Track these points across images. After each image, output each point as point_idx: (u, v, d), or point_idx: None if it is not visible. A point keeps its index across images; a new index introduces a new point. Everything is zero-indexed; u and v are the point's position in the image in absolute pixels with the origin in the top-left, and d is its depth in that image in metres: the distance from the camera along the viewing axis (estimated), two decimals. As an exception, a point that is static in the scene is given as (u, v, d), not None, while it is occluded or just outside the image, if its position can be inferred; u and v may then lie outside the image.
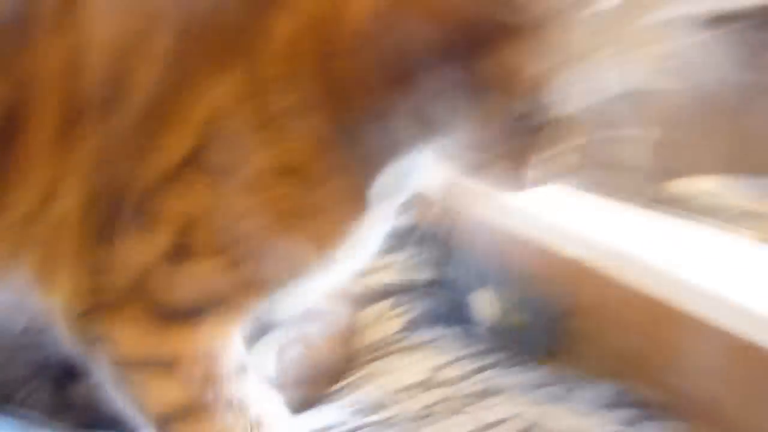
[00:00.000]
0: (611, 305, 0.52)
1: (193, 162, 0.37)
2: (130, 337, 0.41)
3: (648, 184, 1.42)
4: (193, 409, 0.42)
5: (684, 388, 0.46)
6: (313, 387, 0.70)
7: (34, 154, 0.38)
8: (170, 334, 0.41)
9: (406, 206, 0.96)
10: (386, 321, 0.88)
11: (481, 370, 0.67)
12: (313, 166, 0.39)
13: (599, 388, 0.57)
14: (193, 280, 0.40)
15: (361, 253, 0.47)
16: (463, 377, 0.66)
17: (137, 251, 0.39)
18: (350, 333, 0.77)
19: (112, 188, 0.39)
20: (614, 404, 0.54)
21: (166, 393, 0.42)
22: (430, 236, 0.94)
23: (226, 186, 0.38)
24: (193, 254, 0.40)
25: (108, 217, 0.40)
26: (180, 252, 0.39)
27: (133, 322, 0.41)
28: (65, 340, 0.46)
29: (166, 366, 0.41)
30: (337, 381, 0.74)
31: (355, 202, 0.43)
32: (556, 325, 1.73)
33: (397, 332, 0.86)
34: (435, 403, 0.62)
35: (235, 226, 0.39)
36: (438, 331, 0.85)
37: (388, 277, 0.92)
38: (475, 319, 0.99)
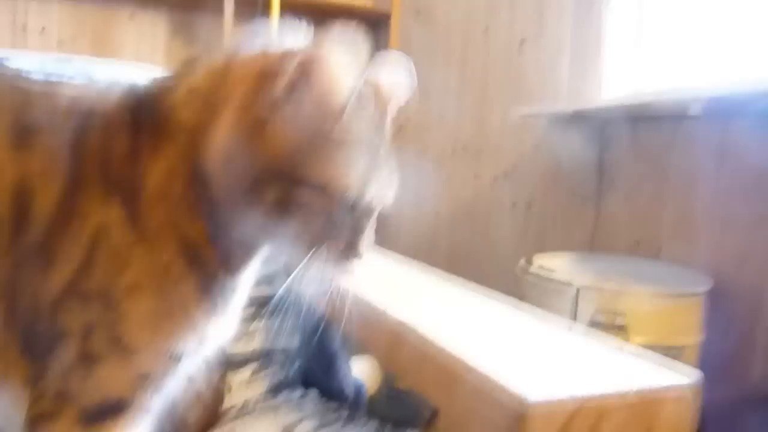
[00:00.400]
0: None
1: (83, 274, 0.46)
2: None
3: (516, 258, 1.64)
4: None
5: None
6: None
7: None
8: None
9: (270, 278, 1.06)
10: (249, 384, 0.94)
11: (327, 424, 0.75)
12: (178, 275, 0.48)
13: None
14: (102, 380, 0.47)
15: (223, 332, 0.55)
16: (313, 430, 0.74)
17: (57, 360, 0.46)
18: (220, 393, 0.83)
19: (28, 305, 0.46)
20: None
21: None
22: (295, 305, 1.04)
23: (110, 294, 0.46)
24: (97, 357, 0.47)
25: (31, 331, 0.47)
26: (88, 357, 0.46)
27: (67, 428, 0.47)
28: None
29: None
30: (198, 440, 0.79)
31: (211, 297, 0.52)
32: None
33: (260, 395, 0.92)
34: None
35: (121, 328, 0.47)
36: (295, 394, 0.93)
37: (254, 344, 1.00)
38: (344, 385, 1.08)
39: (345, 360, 1.13)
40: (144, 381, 0.50)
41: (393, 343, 0.63)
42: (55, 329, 0.47)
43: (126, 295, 0.47)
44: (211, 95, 0.48)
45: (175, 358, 0.51)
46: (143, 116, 0.49)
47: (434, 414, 1.66)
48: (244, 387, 0.93)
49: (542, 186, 2.11)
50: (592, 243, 1.88)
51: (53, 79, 0.51)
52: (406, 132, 2.90)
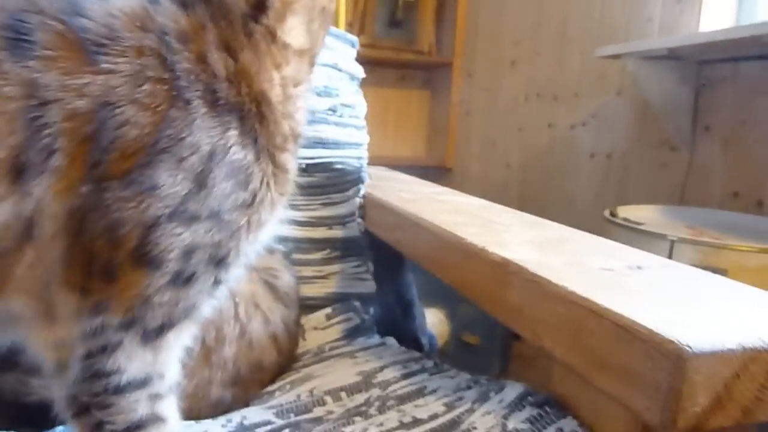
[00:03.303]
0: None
1: (193, 197, 0.44)
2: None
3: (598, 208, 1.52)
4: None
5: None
6: (251, 386, 0.71)
7: None
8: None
9: (345, 219, 1.00)
10: (324, 330, 0.89)
11: (412, 374, 0.69)
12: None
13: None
14: (191, 298, 0.45)
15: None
16: (395, 380, 0.68)
17: (133, 288, 0.43)
18: (294, 336, 0.79)
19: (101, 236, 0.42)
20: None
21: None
22: (374, 248, 0.98)
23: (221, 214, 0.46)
24: (193, 278, 0.45)
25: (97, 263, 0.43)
26: (184, 279, 0.44)
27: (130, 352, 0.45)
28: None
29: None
30: (272, 382, 0.75)
31: None
32: (507, 345, 1.78)
33: (334, 341, 0.87)
34: (365, 403, 0.63)
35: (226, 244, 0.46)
36: (374, 340, 0.87)
37: (328, 288, 0.94)
38: (420, 334, 1.02)
39: (420, 308, 1.07)
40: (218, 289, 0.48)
41: (496, 282, 0.55)
42: (143, 256, 0.42)
43: (236, 212, 0.45)
44: None
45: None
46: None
47: (504, 368, 1.57)
48: (319, 331, 0.89)
49: (625, 135, 1.95)
50: (682, 196, 1.73)
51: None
52: (475, 77, 2.76)
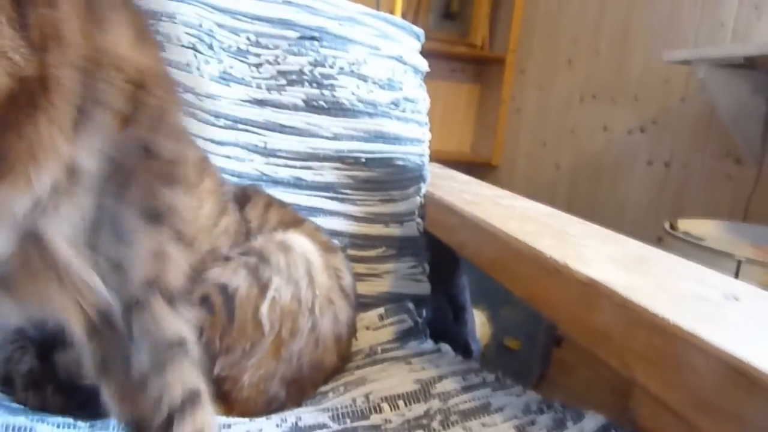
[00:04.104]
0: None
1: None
2: None
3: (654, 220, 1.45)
4: None
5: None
6: (307, 387, 0.69)
7: None
8: None
9: (401, 217, 0.97)
10: (376, 330, 0.87)
11: (473, 387, 0.66)
12: None
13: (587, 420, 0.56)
14: None
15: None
16: (456, 393, 0.65)
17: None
18: (351, 337, 0.77)
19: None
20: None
21: None
22: (430, 248, 0.95)
23: None
24: None
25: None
26: None
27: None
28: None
29: None
30: (326, 383, 0.73)
31: None
32: (548, 351, 1.73)
33: (386, 342, 0.85)
34: (425, 415, 0.61)
35: None
36: (428, 345, 0.85)
37: (381, 287, 0.92)
38: (471, 340, 0.99)
39: (471, 313, 1.04)
40: None
41: (581, 304, 0.52)
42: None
43: None
44: None
45: None
46: None
47: (545, 372, 1.52)
48: (371, 332, 0.86)
49: (686, 143, 1.87)
50: (747, 211, 1.65)
51: None
52: (528, 74, 2.69)
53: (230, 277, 0.65)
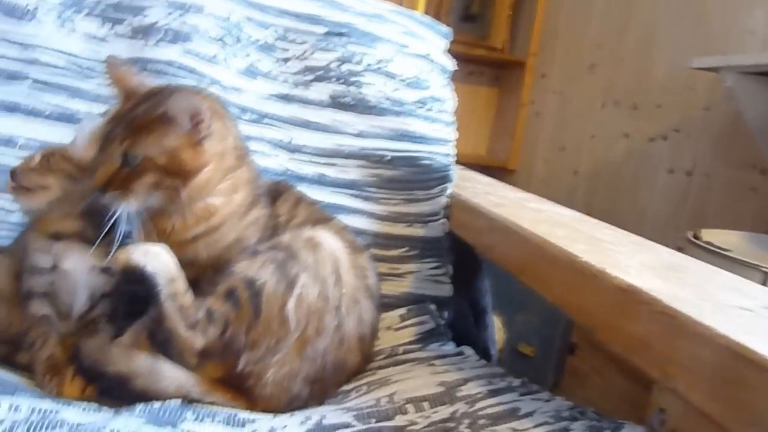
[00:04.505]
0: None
1: None
2: None
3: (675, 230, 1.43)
4: None
5: None
6: (330, 386, 0.68)
7: None
8: None
9: (435, 217, 0.96)
10: (397, 331, 0.86)
11: (499, 392, 0.65)
12: None
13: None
14: None
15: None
16: (482, 396, 0.64)
17: None
18: (374, 337, 0.76)
19: None
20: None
21: None
22: (455, 250, 0.94)
23: None
24: None
25: None
26: None
27: None
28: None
29: None
30: (348, 382, 0.72)
31: None
32: (562, 358, 1.71)
33: (408, 343, 0.84)
34: (451, 418, 0.60)
35: None
36: (450, 347, 0.83)
37: (403, 287, 0.91)
38: (491, 344, 0.98)
39: (491, 317, 1.03)
40: None
41: (619, 311, 0.50)
42: None
43: None
44: None
45: None
46: None
47: (558, 380, 1.50)
48: (392, 332, 0.85)
49: (709, 152, 1.84)
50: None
51: None
52: (549, 79, 2.67)
53: (258, 272, 0.64)
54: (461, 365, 0.75)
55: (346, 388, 0.70)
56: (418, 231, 0.94)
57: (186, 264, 0.65)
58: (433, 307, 0.89)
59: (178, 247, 0.65)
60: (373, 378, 0.72)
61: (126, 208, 0.63)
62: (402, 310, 0.87)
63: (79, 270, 0.69)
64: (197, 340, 0.62)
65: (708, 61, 1.60)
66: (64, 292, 0.68)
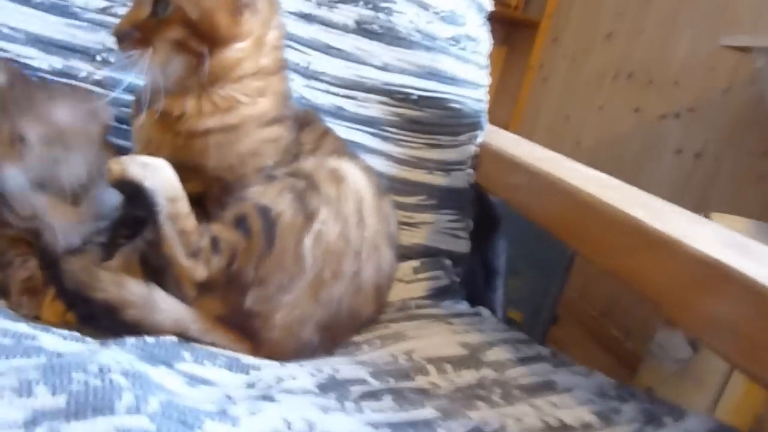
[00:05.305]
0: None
1: None
2: None
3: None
4: None
5: None
6: (340, 335, 0.62)
7: None
8: None
9: (460, 166, 0.88)
10: (408, 283, 0.80)
11: (528, 360, 0.59)
12: None
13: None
14: None
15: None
16: (511, 364, 0.58)
17: None
18: (389, 289, 0.69)
19: None
20: None
21: None
22: (477, 203, 0.87)
23: None
24: None
25: None
26: None
27: None
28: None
29: None
30: (355, 333, 0.65)
31: None
32: (546, 328, 1.68)
33: (420, 298, 0.78)
34: (479, 385, 0.54)
35: None
36: (464, 307, 0.77)
37: (417, 238, 0.84)
38: (498, 308, 0.92)
39: (503, 280, 0.97)
40: None
41: (696, 285, 0.44)
42: None
43: None
44: None
45: None
46: None
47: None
48: (403, 284, 0.79)
49: (723, 136, 1.79)
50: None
51: None
52: (561, 43, 2.57)
53: (273, 200, 0.56)
54: (480, 327, 0.69)
55: (356, 339, 0.64)
56: (438, 179, 0.86)
57: (190, 173, 0.56)
58: (448, 262, 0.83)
59: (185, 141, 0.57)
60: (386, 331, 0.66)
61: (143, 63, 0.54)
62: (415, 263, 0.81)
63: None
64: (198, 271, 0.55)
65: (740, 40, 1.53)
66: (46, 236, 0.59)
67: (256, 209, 0.56)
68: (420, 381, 0.55)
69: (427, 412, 0.49)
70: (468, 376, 0.55)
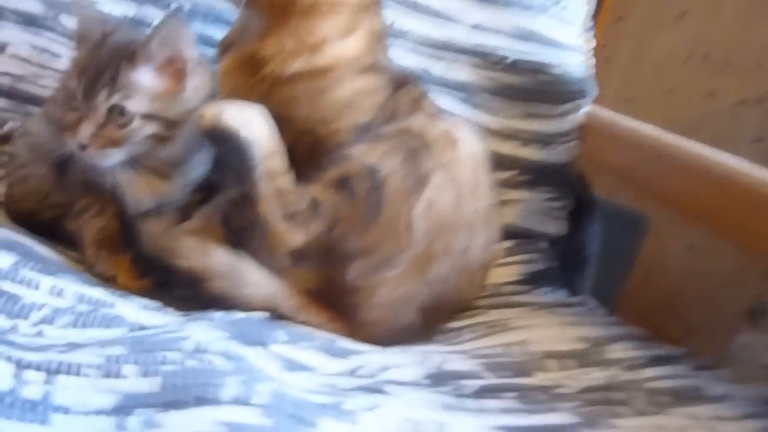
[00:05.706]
0: None
1: None
2: None
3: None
4: None
5: None
6: (440, 318, 0.54)
7: None
8: None
9: (561, 138, 0.79)
10: (500, 266, 0.71)
11: (661, 360, 0.51)
12: None
13: None
14: None
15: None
16: (643, 363, 0.50)
17: None
18: (487, 268, 0.61)
19: None
20: None
21: None
22: (576, 183, 0.78)
23: None
24: None
25: None
26: None
27: None
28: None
29: None
30: (453, 318, 0.58)
31: None
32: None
33: (512, 283, 0.70)
34: (614, 387, 0.46)
35: None
36: (562, 295, 0.69)
37: (509, 217, 0.76)
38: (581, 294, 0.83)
39: (593, 268, 0.88)
40: None
41: None
42: None
43: None
44: None
45: None
46: None
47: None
48: (493, 266, 0.71)
49: (808, 124, 1.65)
50: None
51: None
52: (626, 22, 2.43)
53: (381, 160, 0.49)
54: (592, 319, 0.61)
55: (456, 324, 0.57)
56: (533, 153, 0.77)
57: (278, 125, 0.49)
58: (545, 245, 0.75)
59: (270, 88, 0.50)
60: (487, 318, 0.59)
61: None
62: (508, 243, 0.72)
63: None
64: (295, 236, 0.48)
65: None
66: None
67: (361, 169, 0.48)
68: (540, 378, 0.47)
69: (561, 416, 0.41)
70: (597, 376, 0.48)
